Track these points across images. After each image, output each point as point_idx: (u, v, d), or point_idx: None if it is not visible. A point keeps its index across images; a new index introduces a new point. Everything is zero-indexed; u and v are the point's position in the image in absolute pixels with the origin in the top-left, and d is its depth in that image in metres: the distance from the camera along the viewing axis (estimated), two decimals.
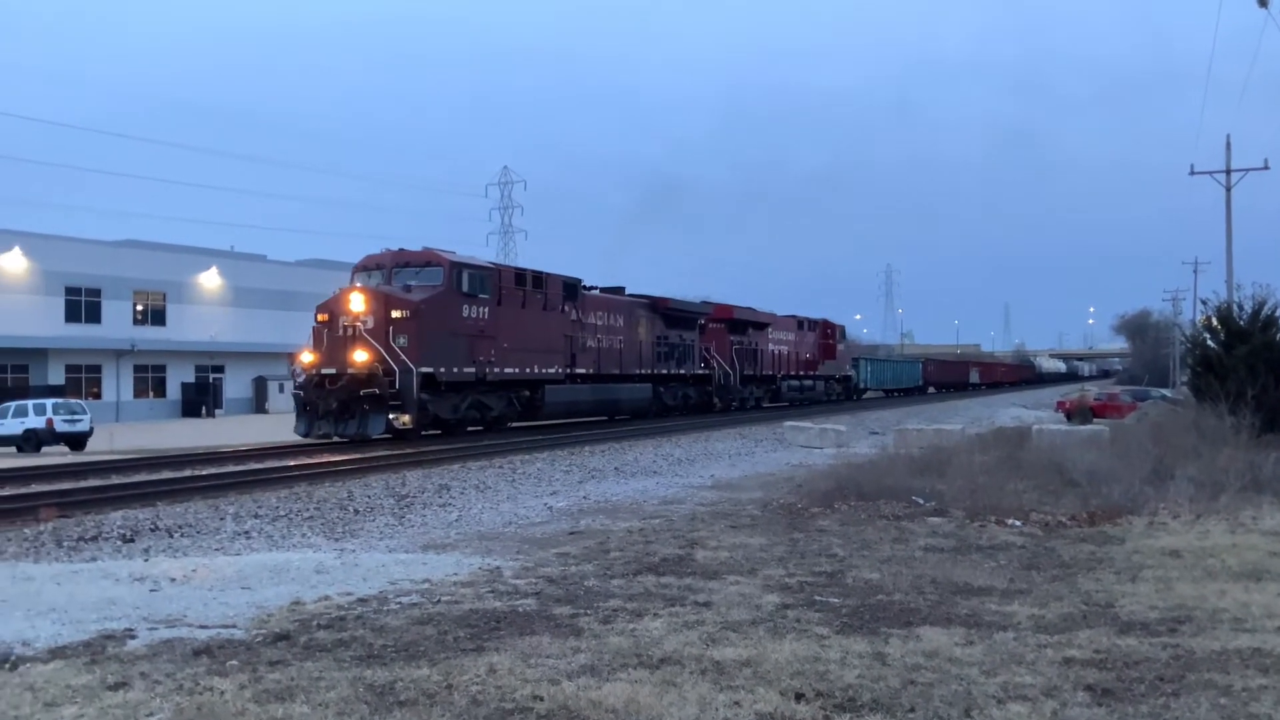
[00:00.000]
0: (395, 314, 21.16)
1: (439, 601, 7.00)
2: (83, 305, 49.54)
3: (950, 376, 77.84)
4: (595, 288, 30.00)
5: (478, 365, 22.85)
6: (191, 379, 53.01)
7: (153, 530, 10.62)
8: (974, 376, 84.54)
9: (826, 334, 47.46)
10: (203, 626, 6.26)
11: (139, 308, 51.98)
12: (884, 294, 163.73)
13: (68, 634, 6.08)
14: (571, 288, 27.12)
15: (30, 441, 28.65)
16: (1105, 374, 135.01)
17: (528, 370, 24.72)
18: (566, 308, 26.65)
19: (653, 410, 31.36)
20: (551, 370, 25.70)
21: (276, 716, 4.41)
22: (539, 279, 25.73)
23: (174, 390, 52.61)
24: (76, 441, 29.28)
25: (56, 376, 46.61)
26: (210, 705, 4.56)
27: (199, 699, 4.67)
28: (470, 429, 23.73)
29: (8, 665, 5.42)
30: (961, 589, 7.45)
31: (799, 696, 4.68)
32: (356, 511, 12.33)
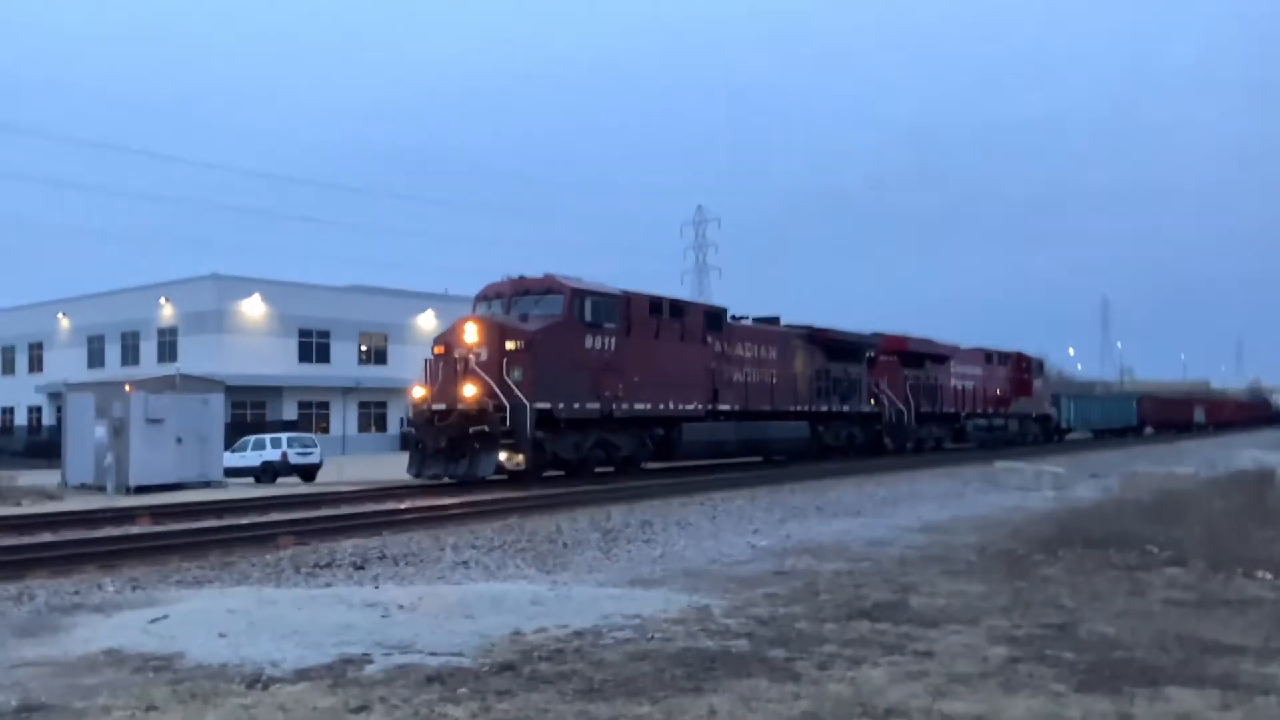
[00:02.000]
0: (509, 345, 19.68)
1: (652, 638, 7.04)
2: (314, 346, 53.38)
3: (1171, 415, 71.78)
4: (746, 317, 28.09)
5: (603, 400, 21.12)
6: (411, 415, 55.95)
7: (380, 559, 11.22)
8: (1199, 416, 77.93)
9: (1020, 368, 43.73)
10: (432, 654, 6.54)
11: (363, 348, 55.51)
12: (1100, 327, 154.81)
13: (310, 657, 6.48)
14: (715, 317, 25.25)
15: (267, 473, 30.94)
16: None
17: (661, 406, 22.72)
18: (709, 338, 24.56)
19: (811, 451, 28.83)
20: (690, 406, 23.60)
21: None
22: (676, 307, 23.92)
23: (394, 425, 55.68)
24: (308, 473, 31.38)
25: (290, 412, 50.31)
26: None
27: None
28: (599, 470, 22.02)
29: (260, 685, 5.82)
30: (1210, 647, 6.87)
31: None
32: (565, 545, 12.61)
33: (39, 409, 58.20)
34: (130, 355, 54.24)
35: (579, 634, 7.18)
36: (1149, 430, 65.43)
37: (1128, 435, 59.72)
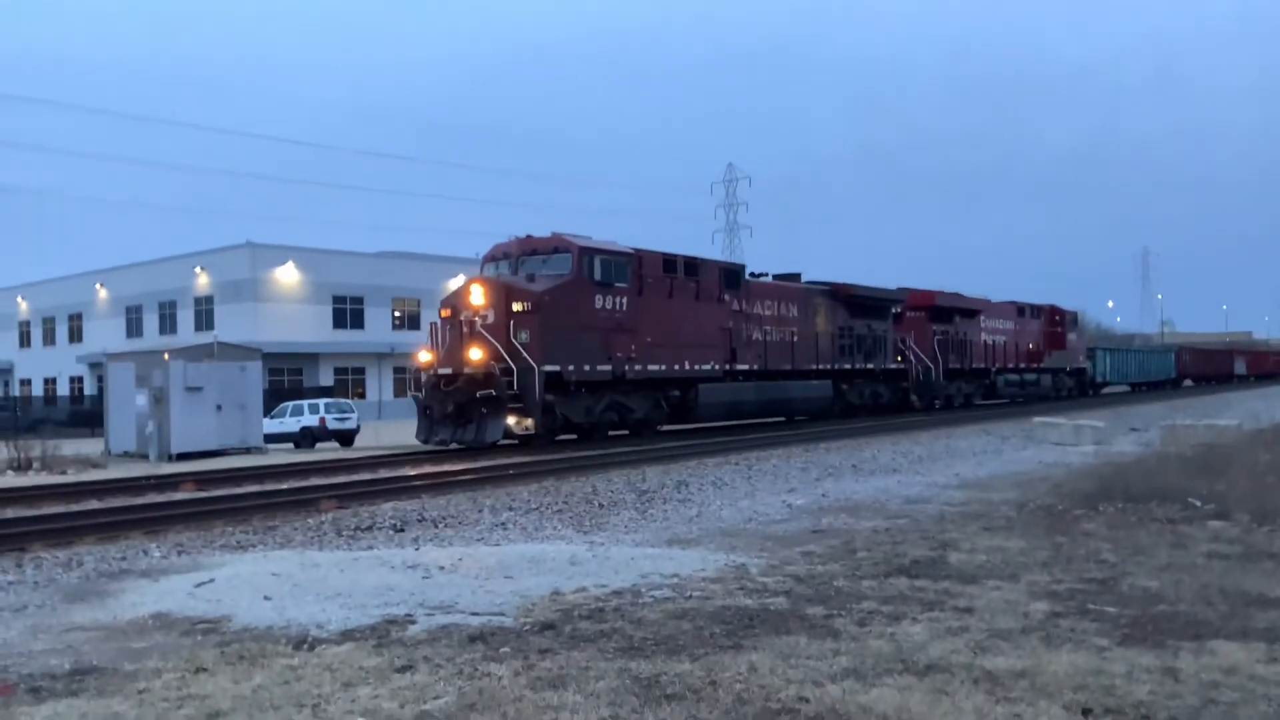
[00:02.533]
0: (516, 306, 19.29)
1: (690, 597, 7.07)
2: (348, 312, 53.73)
3: (1210, 368, 70.65)
4: (765, 274, 27.52)
5: (615, 362, 20.67)
6: None
7: (420, 521, 11.34)
8: (1240, 367, 76.73)
9: (1054, 321, 42.77)
10: (474, 614, 6.60)
11: (397, 314, 55.79)
12: (1140, 279, 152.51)
13: (355, 618, 6.57)
14: (732, 274, 24.74)
15: (306, 438, 31.30)
16: None
17: (677, 367, 22.32)
18: (726, 296, 24.03)
19: (834, 411, 28.43)
20: (707, 367, 23.16)
21: (552, 704, 4.58)
22: (691, 264, 23.22)
23: None
24: (346, 438, 31.70)
25: (326, 378, 50.77)
26: (490, 690, 4.80)
27: (479, 683, 4.92)
28: (614, 434, 21.60)
29: (306, 646, 5.91)
30: (1255, 600, 6.79)
31: (1086, 712, 4.39)
32: (601, 506, 12.68)
33: (80, 379, 59.15)
34: (168, 324, 54.90)
35: (618, 593, 7.22)
36: (1188, 383, 64.52)
37: (1164, 388, 58.86)
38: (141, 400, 25.90)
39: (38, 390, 62.72)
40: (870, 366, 29.93)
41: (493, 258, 21.55)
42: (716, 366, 23.54)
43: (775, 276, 28.20)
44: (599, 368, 20.40)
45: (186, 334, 50.72)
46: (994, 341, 37.56)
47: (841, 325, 28.83)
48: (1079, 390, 45.97)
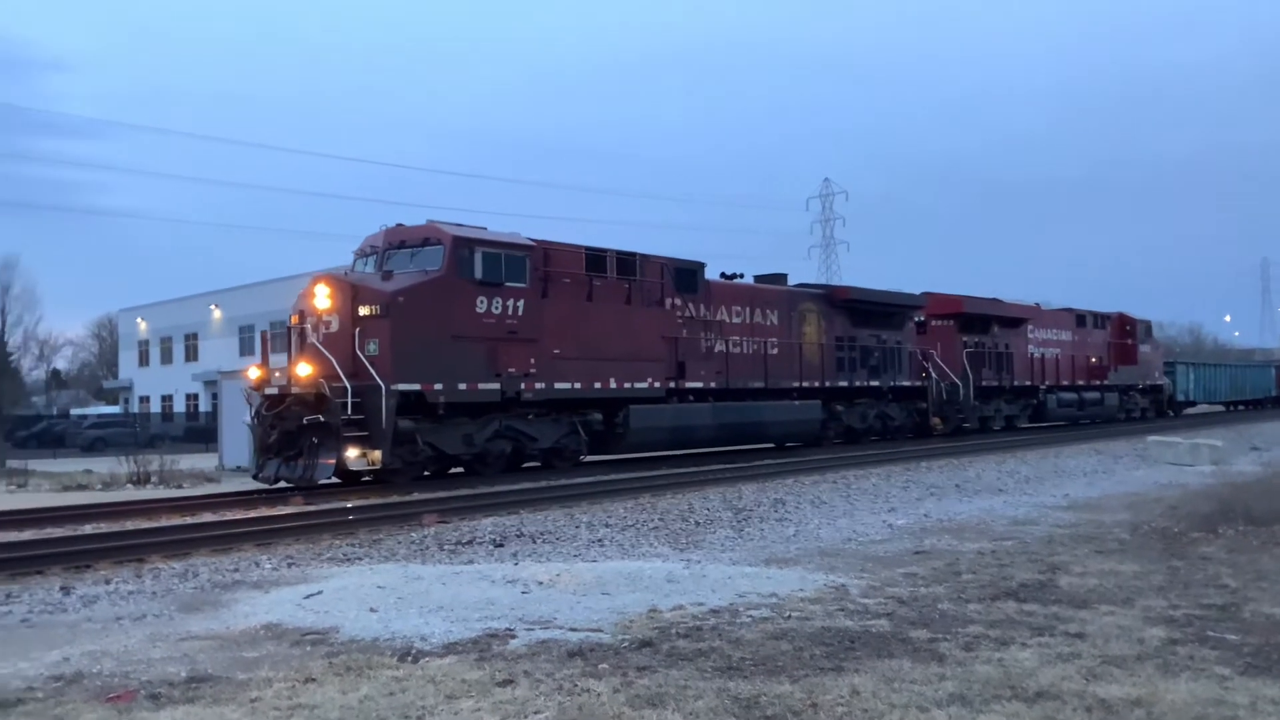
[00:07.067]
0: (363, 311, 15.76)
1: (789, 617, 6.99)
2: None
3: None
4: (739, 275, 23.42)
5: (505, 380, 16.95)
6: None
7: (518, 536, 11.47)
8: None
9: (1123, 331, 37.43)
10: (572, 629, 6.65)
11: None
12: (1260, 291, 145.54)
13: (457, 631, 6.67)
14: (687, 274, 20.80)
15: None
16: None
17: (598, 385, 18.49)
18: (677, 300, 20.36)
19: (829, 436, 24.54)
20: (642, 384, 19.31)
21: None
22: (625, 261, 19.33)
23: None
24: None
25: None
26: (590, 707, 4.83)
27: (579, 699, 4.95)
28: (527, 465, 18.17)
29: (410, 658, 6.02)
30: None
31: None
32: (697, 524, 12.65)
33: (196, 396, 61.54)
34: (279, 343, 56.69)
35: (715, 612, 7.18)
36: None
37: (1265, 406, 54.50)
38: None
39: (155, 407, 65.49)
40: (875, 384, 25.63)
41: (361, 253, 17.72)
42: (656, 384, 19.70)
43: (756, 278, 24.29)
44: (481, 386, 16.72)
45: None
46: (1044, 354, 33.27)
47: (840, 336, 24.70)
48: (1155, 410, 40.70)
